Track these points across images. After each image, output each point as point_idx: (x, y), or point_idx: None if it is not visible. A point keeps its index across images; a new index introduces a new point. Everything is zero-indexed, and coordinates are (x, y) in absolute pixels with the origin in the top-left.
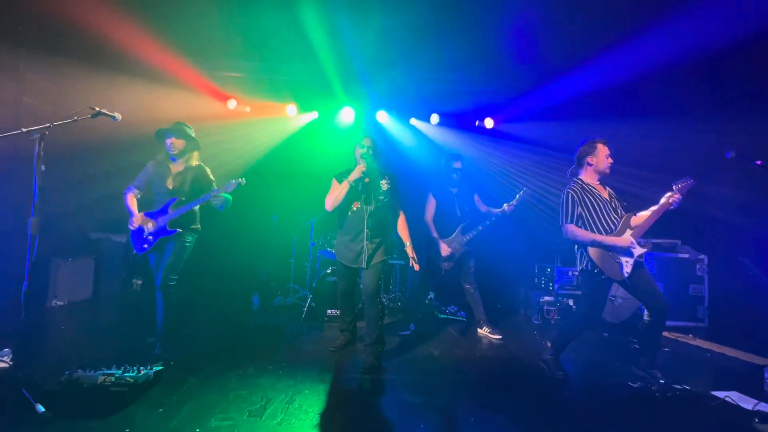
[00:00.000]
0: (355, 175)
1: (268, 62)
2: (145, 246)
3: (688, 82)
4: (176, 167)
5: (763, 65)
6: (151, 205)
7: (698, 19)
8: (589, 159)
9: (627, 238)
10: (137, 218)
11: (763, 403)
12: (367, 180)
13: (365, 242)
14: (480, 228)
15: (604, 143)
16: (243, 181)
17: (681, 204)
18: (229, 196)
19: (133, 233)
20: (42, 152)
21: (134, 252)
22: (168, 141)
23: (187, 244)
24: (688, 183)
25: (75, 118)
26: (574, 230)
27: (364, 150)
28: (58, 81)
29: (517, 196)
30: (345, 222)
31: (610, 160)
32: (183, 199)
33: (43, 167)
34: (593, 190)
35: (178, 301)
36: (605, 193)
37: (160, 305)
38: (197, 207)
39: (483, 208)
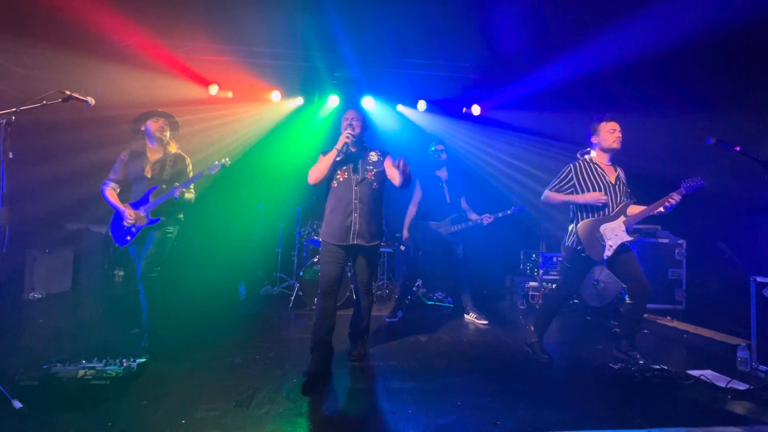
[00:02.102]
0: (341, 141)
1: (250, 46)
2: (128, 238)
3: (671, 71)
4: (154, 155)
5: (746, 55)
6: (129, 196)
7: (685, 6)
8: (593, 139)
9: (596, 195)
10: (130, 213)
11: (735, 381)
12: (354, 150)
13: (354, 215)
14: (470, 223)
15: (606, 121)
16: (227, 161)
17: (668, 192)
18: (192, 196)
19: (113, 226)
20: (9, 139)
21: (116, 245)
22: (158, 123)
23: (169, 235)
24: (697, 183)
25: (44, 102)
26: (548, 194)
27: (348, 121)
28: (28, 64)
29: (510, 210)
30: (330, 196)
31: (616, 135)
32: (163, 186)
33: (11, 154)
34: (599, 169)
35: (162, 291)
36: (613, 175)
37: (143, 298)
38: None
39: (472, 217)
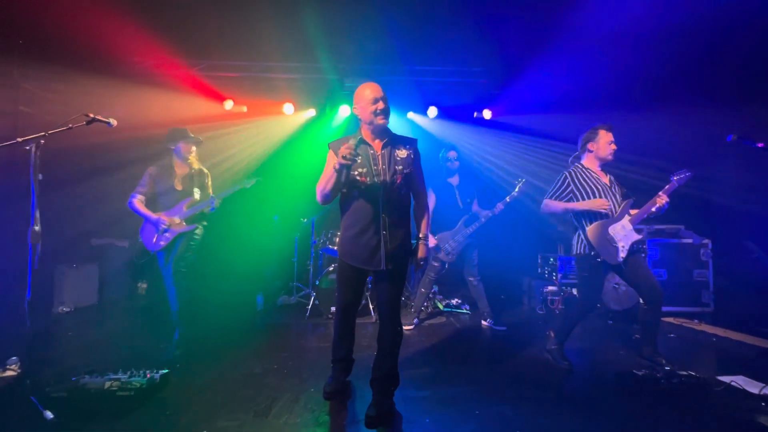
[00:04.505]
0: (343, 152)
1: (263, 61)
2: (162, 243)
3: (687, 70)
4: (181, 170)
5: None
6: (156, 207)
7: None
8: (590, 145)
9: (600, 201)
10: (165, 219)
11: None
12: (359, 159)
13: (383, 233)
14: (482, 219)
15: (606, 130)
16: (256, 179)
17: (683, 190)
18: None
19: (143, 232)
20: (38, 161)
21: (144, 252)
22: (189, 146)
23: (196, 236)
24: (685, 175)
25: (70, 125)
26: (548, 203)
27: (372, 106)
28: (54, 88)
29: (517, 185)
30: (349, 208)
31: (613, 147)
32: (196, 197)
33: (40, 176)
34: (593, 174)
35: (187, 287)
36: (606, 179)
37: (173, 293)
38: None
39: (483, 213)
